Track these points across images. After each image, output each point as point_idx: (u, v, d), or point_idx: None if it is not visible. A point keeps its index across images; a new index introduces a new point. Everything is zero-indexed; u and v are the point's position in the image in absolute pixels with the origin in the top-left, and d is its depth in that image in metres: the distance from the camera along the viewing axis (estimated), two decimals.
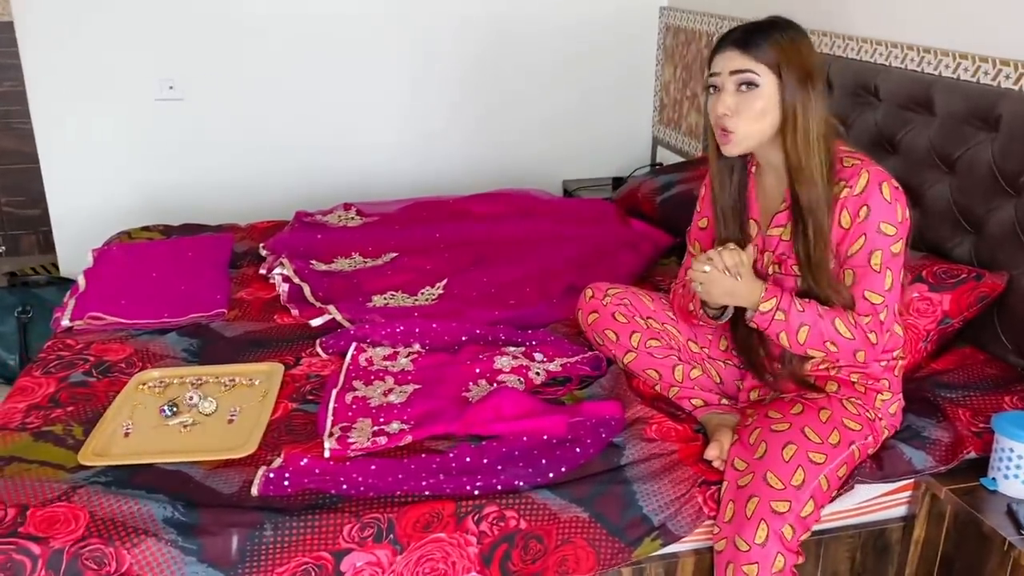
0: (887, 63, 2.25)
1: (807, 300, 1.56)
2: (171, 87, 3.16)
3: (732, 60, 1.52)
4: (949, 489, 1.60)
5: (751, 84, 1.51)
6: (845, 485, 1.59)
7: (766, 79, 1.51)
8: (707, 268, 1.53)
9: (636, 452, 1.60)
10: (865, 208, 1.50)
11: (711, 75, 1.56)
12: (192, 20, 3.11)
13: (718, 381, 1.82)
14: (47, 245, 3.85)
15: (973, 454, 1.63)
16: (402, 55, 3.36)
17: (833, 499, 1.58)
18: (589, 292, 1.92)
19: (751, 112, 1.52)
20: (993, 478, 1.58)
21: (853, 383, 1.64)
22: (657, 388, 1.81)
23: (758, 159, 1.65)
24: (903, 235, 1.53)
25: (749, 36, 1.52)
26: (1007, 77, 1.88)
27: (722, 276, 1.53)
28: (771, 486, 1.49)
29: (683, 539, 1.56)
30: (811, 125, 1.51)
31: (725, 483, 1.55)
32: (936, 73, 2.08)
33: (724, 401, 1.76)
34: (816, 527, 1.63)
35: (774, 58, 1.50)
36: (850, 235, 1.53)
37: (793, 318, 1.53)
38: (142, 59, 3.11)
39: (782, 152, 1.55)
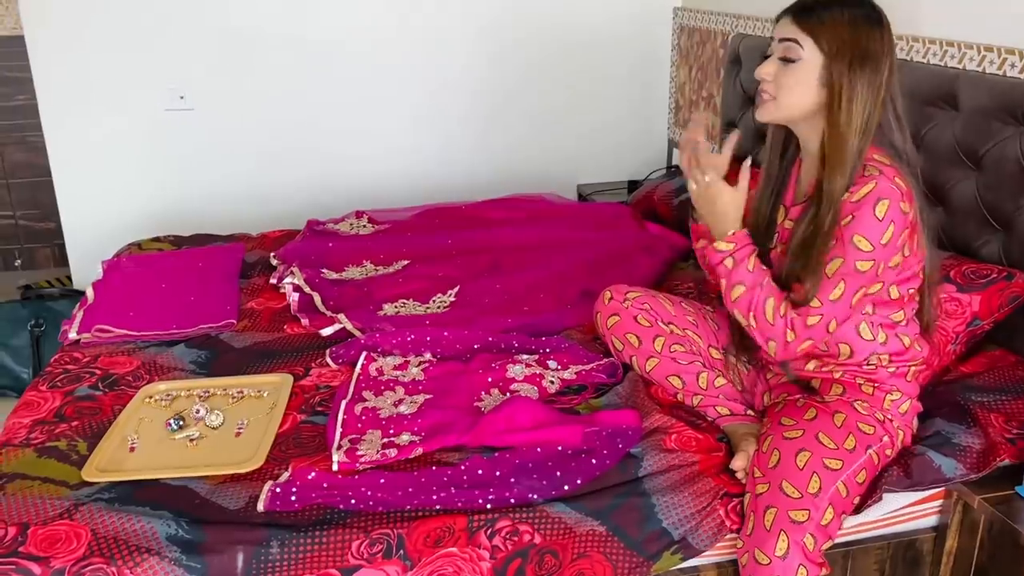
0: (909, 58, 2.19)
1: (764, 269, 1.53)
2: (181, 97, 3.13)
3: (785, 27, 1.51)
4: (982, 498, 1.53)
5: (794, 53, 1.49)
6: (872, 495, 1.52)
7: (810, 52, 1.47)
8: (708, 179, 1.52)
9: (655, 463, 1.55)
10: (851, 216, 1.45)
11: (771, 40, 1.55)
12: (201, 30, 3.09)
13: (741, 389, 1.76)
14: (62, 257, 3.84)
15: (1007, 461, 1.56)
16: (414, 62, 3.33)
17: (860, 510, 1.52)
18: (608, 294, 1.87)
19: (788, 81, 1.50)
20: None
21: (859, 385, 1.59)
22: (679, 396, 1.75)
23: (800, 142, 1.61)
24: (879, 258, 1.45)
25: (809, 5, 1.49)
26: None
27: (716, 193, 1.52)
28: (787, 495, 1.43)
29: (704, 553, 1.51)
30: (855, 111, 1.46)
31: (747, 494, 1.50)
32: (960, 67, 2.02)
33: (750, 412, 1.70)
34: (843, 538, 1.58)
35: (824, 33, 1.46)
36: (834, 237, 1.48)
37: (737, 273, 1.52)
38: (152, 70, 3.09)
39: (820, 135, 1.52)
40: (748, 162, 1.54)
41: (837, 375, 1.61)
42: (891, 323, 1.57)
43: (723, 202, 1.53)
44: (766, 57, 1.56)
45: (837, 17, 1.47)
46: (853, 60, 1.46)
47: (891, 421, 1.57)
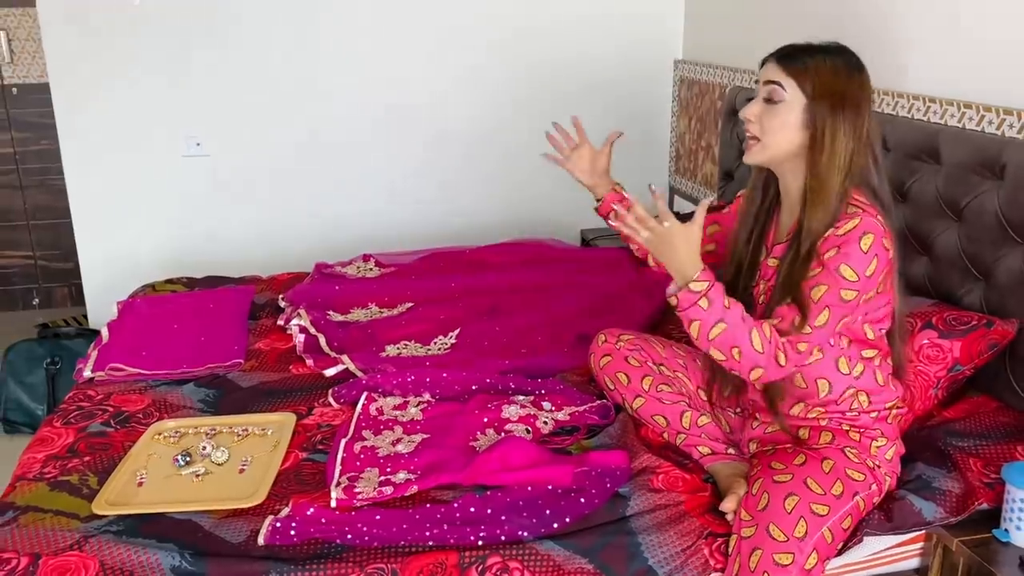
0: (895, 113, 2.27)
1: (737, 302, 1.53)
2: (198, 144, 3.26)
3: (769, 71, 1.58)
4: (961, 541, 1.57)
5: (777, 95, 1.55)
6: (854, 537, 1.57)
7: (792, 94, 1.54)
8: (667, 224, 1.49)
9: (642, 502, 1.60)
10: (835, 249, 1.51)
11: (757, 84, 1.62)
12: (216, 80, 3.22)
13: (727, 430, 1.81)
14: (79, 297, 3.95)
15: (985, 505, 1.61)
16: (422, 110, 3.44)
17: (841, 552, 1.56)
18: (602, 337, 1.94)
19: (772, 122, 1.56)
20: (1005, 529, 1.56)
21: (846, 431, 1.64)
22: (665, 436, 1.81)
23: (781, 185, 1.66)
24: (863, 289, 1.51)
25: (792, 51, 1.57)
26: (1011, 126, 1.89)
27: (672, 233, 1.49)
28: (773, 538, 1.47)
29: None
30: (837, 152, 1.52)
31: (734, 536, 1.54)
32: (942, 122, 2.10)
33: (731, 451, 1.75)
34: None
35: (806, 76, 1.53)
36: (815, 265, 1.53)
37: (714, 311, 1.49)
38: (169, 118, 3.22)
39: (802, 176, 1.57)
40: (706, 201, 1.55)
41: (823, 423, 1.65)
42: (865, 358, 1.63)
43: (680, 240, 1.49)
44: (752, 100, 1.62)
45: (819, 63, 1.54)
46: (834, 103, 1.52)
47: (879, 468, 1.62)
